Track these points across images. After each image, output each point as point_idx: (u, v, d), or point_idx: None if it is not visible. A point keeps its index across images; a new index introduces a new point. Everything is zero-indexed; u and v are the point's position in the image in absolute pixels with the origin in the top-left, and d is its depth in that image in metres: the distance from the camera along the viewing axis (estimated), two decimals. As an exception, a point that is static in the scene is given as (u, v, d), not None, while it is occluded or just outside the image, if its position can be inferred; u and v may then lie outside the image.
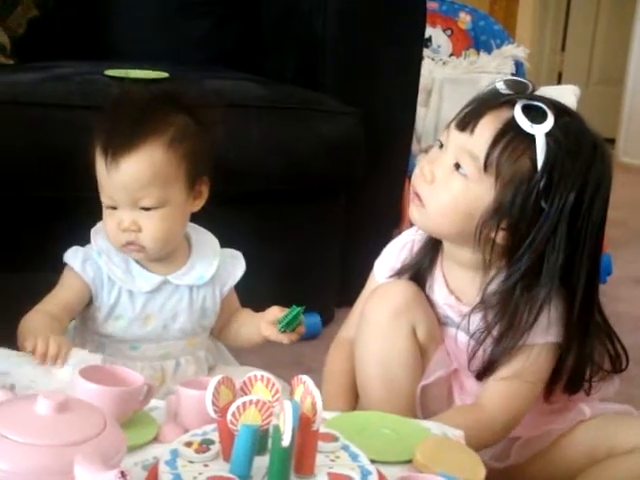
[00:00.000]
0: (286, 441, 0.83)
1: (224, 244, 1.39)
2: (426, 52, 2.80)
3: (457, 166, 1.21)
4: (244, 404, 0.86)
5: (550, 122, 1.17)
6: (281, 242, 1.89)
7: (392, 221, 2.21)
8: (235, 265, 1.39)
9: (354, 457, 0.93)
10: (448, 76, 2.76)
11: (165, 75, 1.80)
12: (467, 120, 1.21)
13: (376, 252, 1.42)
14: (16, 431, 0.78)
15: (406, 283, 1.33)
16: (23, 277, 1.48)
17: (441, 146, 1.24)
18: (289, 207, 1.91)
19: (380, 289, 1.33)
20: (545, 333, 1.23)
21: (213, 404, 0.89)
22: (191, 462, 0.87)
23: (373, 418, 1.11)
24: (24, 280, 1.41)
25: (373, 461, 0.94)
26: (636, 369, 1.40)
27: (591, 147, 1.20)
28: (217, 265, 1.35)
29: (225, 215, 1.50)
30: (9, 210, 1.62)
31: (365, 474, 0.89)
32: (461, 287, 1.30)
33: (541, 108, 1.19)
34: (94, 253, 1.31)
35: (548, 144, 1.16)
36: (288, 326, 1.30)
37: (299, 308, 1.30)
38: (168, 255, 1.32)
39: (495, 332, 1.24)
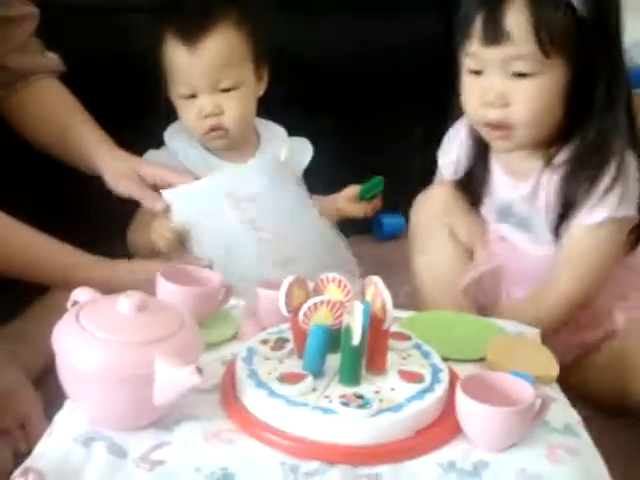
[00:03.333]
0: (356, 340, 0.85)
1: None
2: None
3: (516, 74, 1.18)
4: (315, 304, 0.88)
5: None
6: (364, 146, 1.88)
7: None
8: (304, 150, 1.43)
9: (426, 355, 0.95)
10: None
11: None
12: (495, 31, 1.16)
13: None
14: (100, 329, 0.83)
15: (442, 189, 1.35)
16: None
17: (477, 72, 1.21)
18: (373, 110, 1.89)
19: (419, 196, 1.36)
20: (620, 207, 1.21)
21: (286, 304, 0.92)
22: (267, 359, 0.91)
23: (447, 317, 1.13)
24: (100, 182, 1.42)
25: (445, 359, 0.96)
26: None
27: None
28: (287, 147, 1.39)
29: (309, 119, 1.51)
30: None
31: (436, 371, 0.91)
32: (520, 168, 1.29)
33: None
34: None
35: None
36: (367, 192, 1.35)
37: (380, 177, 1.33)
38: (242, 143, 1.37)
39: (570, 195, 1.23)
